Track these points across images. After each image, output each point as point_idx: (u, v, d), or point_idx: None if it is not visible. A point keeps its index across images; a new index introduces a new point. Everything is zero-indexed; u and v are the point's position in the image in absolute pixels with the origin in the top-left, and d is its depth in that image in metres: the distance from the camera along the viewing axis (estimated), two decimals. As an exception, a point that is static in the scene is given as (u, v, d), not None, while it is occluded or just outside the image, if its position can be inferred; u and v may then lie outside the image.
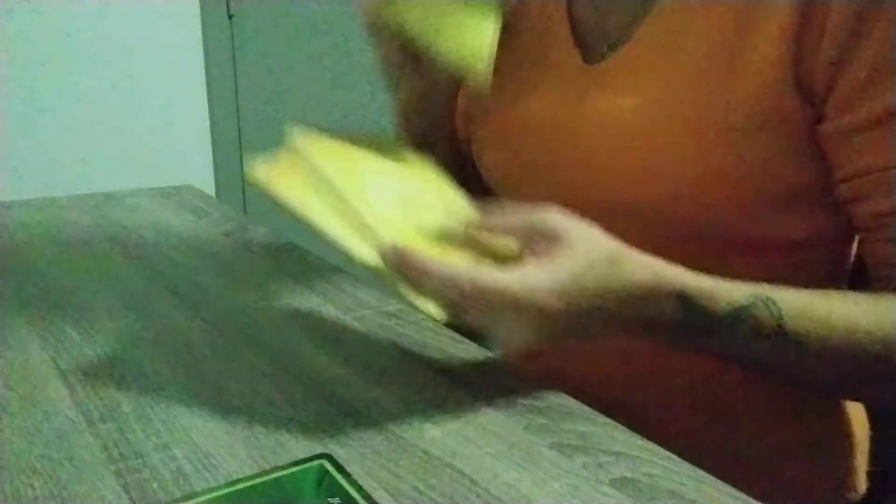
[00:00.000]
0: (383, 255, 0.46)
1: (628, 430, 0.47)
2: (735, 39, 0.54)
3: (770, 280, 0.52)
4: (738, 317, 0.49)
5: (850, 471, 0.64)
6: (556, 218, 0.47)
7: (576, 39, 0.66)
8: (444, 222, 0.51)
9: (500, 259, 0.49)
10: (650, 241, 0.51)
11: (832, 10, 0.50)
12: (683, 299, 0.48)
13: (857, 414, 0.65)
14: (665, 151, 0.57)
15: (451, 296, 0.45)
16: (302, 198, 0.50)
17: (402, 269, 0.46)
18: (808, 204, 0.57)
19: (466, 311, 0.46)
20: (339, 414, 0.48)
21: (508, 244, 0.49)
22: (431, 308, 0.47)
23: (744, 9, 0.54)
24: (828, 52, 0.51)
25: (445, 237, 0.51)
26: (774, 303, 0.49)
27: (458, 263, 0.47)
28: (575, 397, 0.51)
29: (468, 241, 0.50)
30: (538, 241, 0.47)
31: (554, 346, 0.69)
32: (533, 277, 0.45)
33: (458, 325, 0.65)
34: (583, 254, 0.46)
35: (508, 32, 0.68)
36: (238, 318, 0.64)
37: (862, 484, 0.65)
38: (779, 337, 0.50)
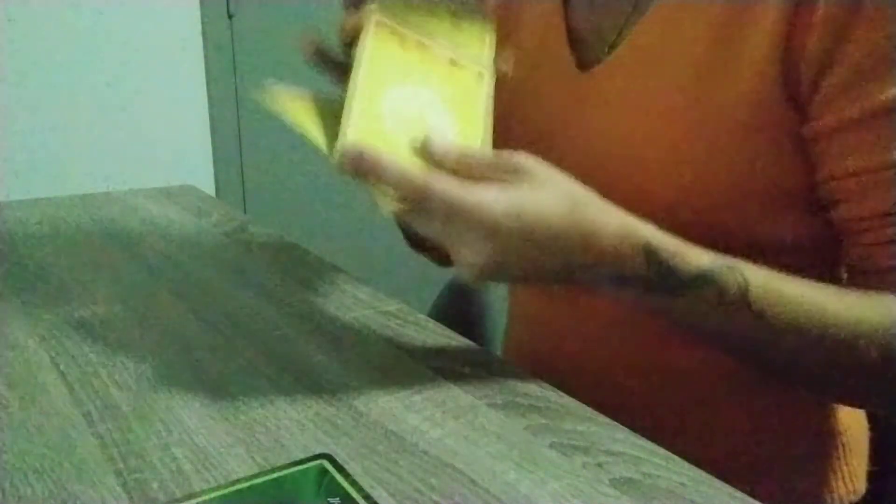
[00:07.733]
0: (345, 153, 0.46)
1: (628, 430, 0.47)
2: (726, 41, 0.54)
3: None
4: (704, 279, 0.49)
5: (848, 471, 0.64)
6: (527, 160, 0.48)
7: (572, 44, 0.66)
8: (432, 142, 0.50)
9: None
10: None
11: (819, 10, 0.50)
12: (649, 254, 0.48)
13: (855, 415, 0.65)
14: (658, 161, 0.57)
15: (406, 194, 0.45)
16: (299, 112, 0.51)
17: (359, 166, 0.46)
18: (802, 206, 0.57)
19: (419, 214, 0.46)
20: (339, 414, 0.48)
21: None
22: (388, 206, 0.47)
23: (735, 10, 0.54)
24: (813, 51, 0.51)
25: (426, 156, 0.50)
26: (741, 272, 0.50)
27: (415, 165, 0.47)
28: (572, 394, 0.51)
29: (443, 164, 0.49)
30: (505, 175, 0.47)
31: (536, 318, 0.69)
32: (490, 194, 0.45)
33: (454, 323, 0.65)
34: (548, 191, 0.47)
35: (503, 38, 0.68)
36: (238, 318, 0.64)
37: (862, 485, 0.65)
38: (743, 306, 0.50)
